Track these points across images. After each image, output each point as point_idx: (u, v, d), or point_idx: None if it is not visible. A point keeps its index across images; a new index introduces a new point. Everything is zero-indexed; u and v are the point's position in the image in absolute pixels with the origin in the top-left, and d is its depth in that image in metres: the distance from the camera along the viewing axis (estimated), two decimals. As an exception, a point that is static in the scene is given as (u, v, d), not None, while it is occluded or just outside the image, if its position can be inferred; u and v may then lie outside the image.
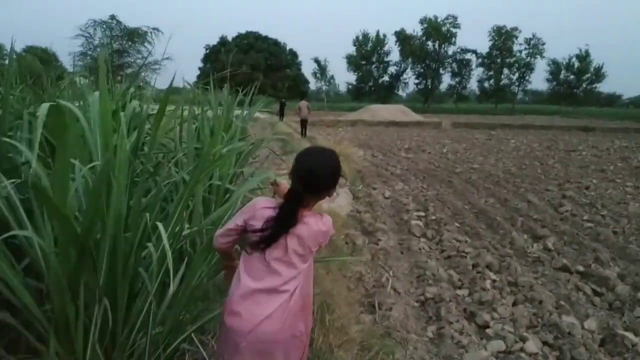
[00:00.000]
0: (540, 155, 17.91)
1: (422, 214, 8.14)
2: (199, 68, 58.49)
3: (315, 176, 1.95)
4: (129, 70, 44.46)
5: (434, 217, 7.87)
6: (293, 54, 61.50)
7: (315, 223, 1.99)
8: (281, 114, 34.13)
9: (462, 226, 7.55)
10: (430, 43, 71.12)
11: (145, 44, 42.13)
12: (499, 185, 11.32)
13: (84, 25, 40.09)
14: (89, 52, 40.88)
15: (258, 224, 1.94)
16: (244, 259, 2.03)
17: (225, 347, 2.00)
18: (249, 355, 1.92)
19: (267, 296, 1.93)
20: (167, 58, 38.57)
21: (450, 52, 72.54)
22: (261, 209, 1.98)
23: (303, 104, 22.06)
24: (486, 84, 72.48)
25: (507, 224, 7.70)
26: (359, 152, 12.79)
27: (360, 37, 73.97)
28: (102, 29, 41.25)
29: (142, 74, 45.37)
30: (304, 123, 21.84)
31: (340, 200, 8.15)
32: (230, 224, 2.06)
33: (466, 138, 25.23)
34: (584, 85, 69.35)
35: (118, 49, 41.29)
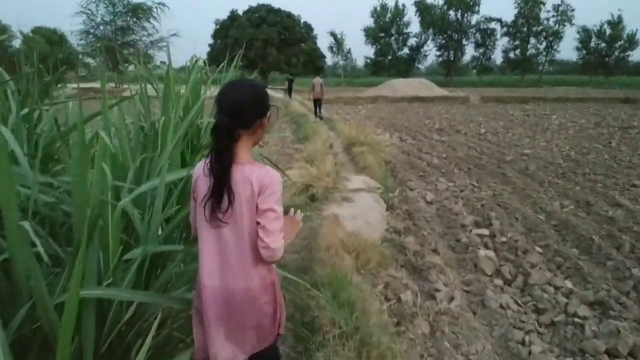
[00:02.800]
0: (594, 134, 15.39)
1: (485, 231, 5.86)
2: (209, 45, 56.15)
3: (239, 104, 1.77)
4: (132, 50, 42.55)
5: (503, 239, 5.61)
6: (308, 28, 58.35)
7: (256, 170, 1.80)
8: (289, 91, 32.99)
9: (548, 253, 5.28)
10: (452, 12, 67.23)
11: (151, 20, 39.93)
12: (566, 178, 8.97)
13: (85, 1, 37.88)
14: (92, 30, 38.85)
15: (199, 181, 1.84)
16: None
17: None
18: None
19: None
20: (173, 34, 36.52)
21: (473, 22, 68.74)
22: (197, 169, 1.88)
23: (317, 81, 20.00)
24: (511, 55, 68.70)
25: (609, 246, 5.41)
26: (386, 138, 10.53)
27: (379, 8, 70.47)
28: (105, 5, 38.94)
29: (149, 51, 43.46)
30: (317, 102, 19.88)
31: (370, 214, 5.90)
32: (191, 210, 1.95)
33: (500, 114, 22.68)
34: (616, 54, 65.28)
35: (122, 26, 39.15)
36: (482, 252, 5.07)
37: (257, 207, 1.78)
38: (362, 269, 4.34)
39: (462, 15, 66.92)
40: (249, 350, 1.94)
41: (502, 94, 38.80)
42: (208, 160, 1.78)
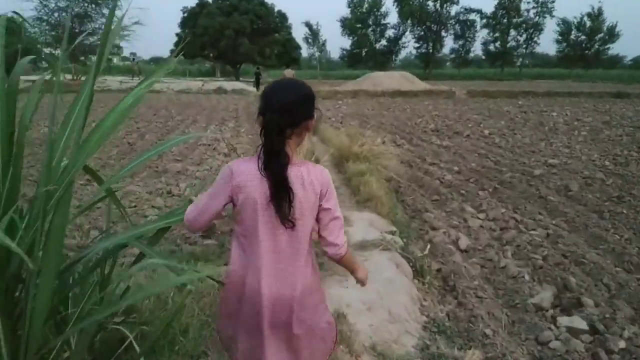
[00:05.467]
0: (612, 136, 13.37)
1: (581, 323, 3.60)
2: (176, 34, 52.67)
3: (289, 102, 1.69)
4: (93, 38, 39.25)
5: (621, 343, 3.34)
6: (282, 17, 55.32)
7: (312, 169, 1.77)
8: (257, 84, 32.13)
9: None
10: (431, 3, 65.19)
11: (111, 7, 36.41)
12: (626, 203, 6.85)
13: (36, -16, 34.47)
14: (45, 17, 35.50)
15: (247, 179, 1.71)
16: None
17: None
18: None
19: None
20: (136, 22, 33.52)
21: (453, 13, 66.90)
22: (240, 166, 1.76)
23: (289, 72, 18.65)
24: (491, 47, 67.13)
25: None
26: (388, 149, 8.24)
27: (355, -2, 68.17)
28: (59, -11, 35.57)
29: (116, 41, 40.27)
30: None
31: (395, 297, 3.57)
32: (208, 197, 1.80)
33: (495, 111, 20.59)
34: (596, 47, 64.24)
35: (79, 13, 35.88)
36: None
37: (319, 207, 1.76)
38: None
39: (442, 6, 65.02)
40: None
41: (485, 87, 36.95)
42: (260, 160, 1.70)
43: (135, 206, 6.54)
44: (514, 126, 15.48)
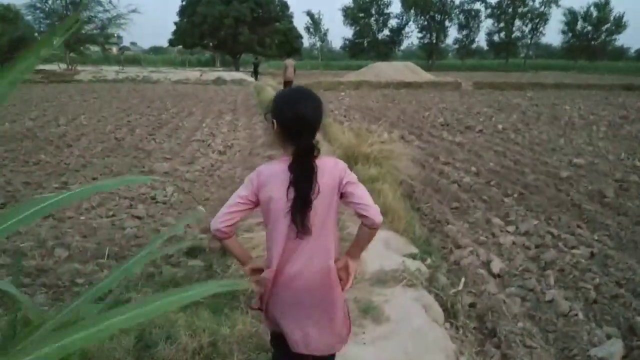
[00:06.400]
0: (634, 132, 12.51)
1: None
2: (174, 23, 51.32)
3: (316, 123, 1.85)
4: (90, 26, 38.22)
5: None
6: (283, 5, 53.92)
7: (326, 161, 1.87)
8: (255, 74, 32.71)
9: None
10: (435, -9, 64.06)
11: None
12: (672, 213, 5.98)
13: (29, -30, 33.32)
14: (39, 4, 34.41)
15: (272, 183, 1.82)
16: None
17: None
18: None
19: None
20: (133, 11, 32.60)
21: (457, 2, 65.56)
22: (264, 169, 1.89)
23: (289, 62, 18.81)
24: (496, 37, 65.92)
25: None
26: (400, 148, 7.38)
27: (358, -13, 66.84)
28: (53, -25, 34.42)
29: (106, 30, 39.26)
30: (288, 85, 17.90)
31: (425, 341, 2.75)
32: (234, 200, 1.86)
33: (505, 104, 19.69)
34: (603, 37, 63.04)
35: (73, 1, 34.78)
36: None
37: (340, 193, 1.84)
38: None
39: (446, -5, 63.76)
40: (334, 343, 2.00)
41: (491, 78, 36.00)
42: (288, 162, 1.80)
43: (112, 215, 5.70)
44: (527, 120, 14.61)
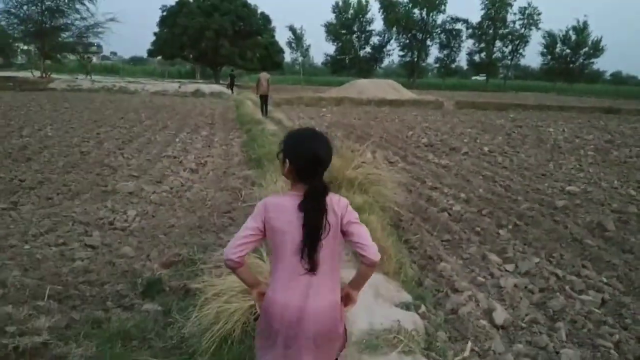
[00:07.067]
0: (622, 157, 12.23)
1: None
2: (154, 33, 50.40)
3: (326, 164, 1.91)
4: (66, 34, 37.27)
5: None
6: (265, 19, 53.37)
7: (331, 198, 1.89)
8: (231, 86, 32.99)
9: None
10: (417, 11, 64.26)
11: (85, 2, 34.71)
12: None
13: (3, -25, 32.29)
14: (13, 10, 33.35)
15: (282, 217, 1.87)
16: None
17: None
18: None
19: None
20: (111, 19, 31.78)
21: (439, 22, 65.95)
22: (272, 200, 1.95)
23: (264, 76, 18.60)
24: (476, 57, 66.43)
25: None
26: (388, 175, 6.82)
27: (341, 3, 66.70)
28: (30, -19, 33.38)
29: (84, 39, 38.30)
30: (264, 99, 18.78)
31: None
32: (245, 232, 1.91)
33: (488, 125, 19.41)
34: (581, 60, 64.00)
35: (50, 7, 33.79)
36: None
37: (341, 231, 1.88)
38: None
39: (428, 14, 64.08)
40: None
41: (472, 98, 35.99)
42: (297, 198, 1.86)
43: (63, 244, 5.00)
44: (513, 143, 14.25)
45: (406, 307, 3.51)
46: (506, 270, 4.85)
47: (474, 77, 74.07)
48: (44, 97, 23.82)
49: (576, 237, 5.86)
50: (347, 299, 2.03)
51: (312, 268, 1.85)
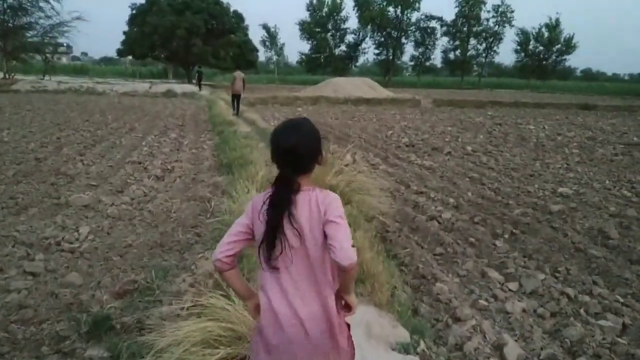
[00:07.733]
0: (608, 155, 11.93)
1: None
2: (124, 32, 48.88)
3: (297, 154, 1.71)
4: (30, 34, 35.81)
5: None
6: (238, 17, 52.29)
7: (319, 194, 1.74)
8: (199, 83, 32.51)
9: None
10: (391, 9, 63.93)
11: (50, 0, 33.31)
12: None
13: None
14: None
15: (256, 218, 1.76)
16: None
17: None
18: None
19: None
20: (77, 18, 30.52)
21: (413, 19, 65.77)
22: (257, 201, 1.79)
23: (239, 75, 18.32)
24: (451, 55, 66.51)
25: None
26: (376, 183, 6.24)
27: (315, 1, 66.04)
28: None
29: (48, 38, 36.87)
30: (236, 98, 18.42)
31: None
32: (236, 228, 1.81)
33: (468, 123, 19.04)
34: (554, 57, 64.55)
35: (12, 5, 32.37)
36: None
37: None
38: None
39: (402, 12, 63.82)
40: None
41: (448, 96, 35.83)
42: (266, 201, 1.74)
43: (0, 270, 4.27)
44: (495, 141, 13.84)
45: (404, 349, 2.91)
46: (510, 290, 4.29)
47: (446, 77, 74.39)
48: (5, 99, 22.60)
49: (579, 246, 5.35)
50: (345, 306, 1.82)
51: (270, 268, 1.72)
